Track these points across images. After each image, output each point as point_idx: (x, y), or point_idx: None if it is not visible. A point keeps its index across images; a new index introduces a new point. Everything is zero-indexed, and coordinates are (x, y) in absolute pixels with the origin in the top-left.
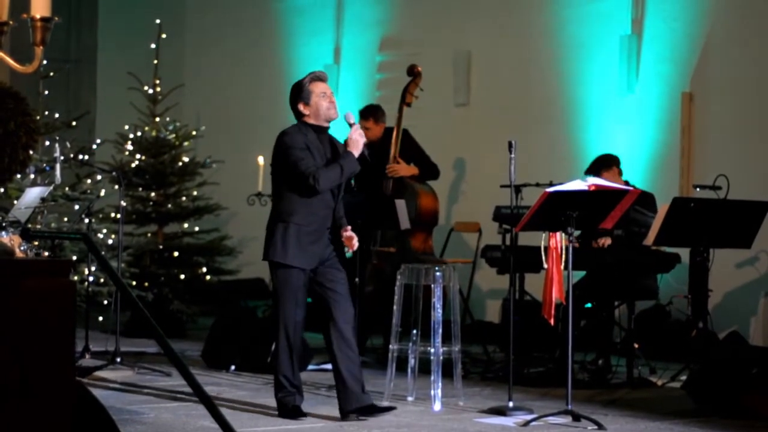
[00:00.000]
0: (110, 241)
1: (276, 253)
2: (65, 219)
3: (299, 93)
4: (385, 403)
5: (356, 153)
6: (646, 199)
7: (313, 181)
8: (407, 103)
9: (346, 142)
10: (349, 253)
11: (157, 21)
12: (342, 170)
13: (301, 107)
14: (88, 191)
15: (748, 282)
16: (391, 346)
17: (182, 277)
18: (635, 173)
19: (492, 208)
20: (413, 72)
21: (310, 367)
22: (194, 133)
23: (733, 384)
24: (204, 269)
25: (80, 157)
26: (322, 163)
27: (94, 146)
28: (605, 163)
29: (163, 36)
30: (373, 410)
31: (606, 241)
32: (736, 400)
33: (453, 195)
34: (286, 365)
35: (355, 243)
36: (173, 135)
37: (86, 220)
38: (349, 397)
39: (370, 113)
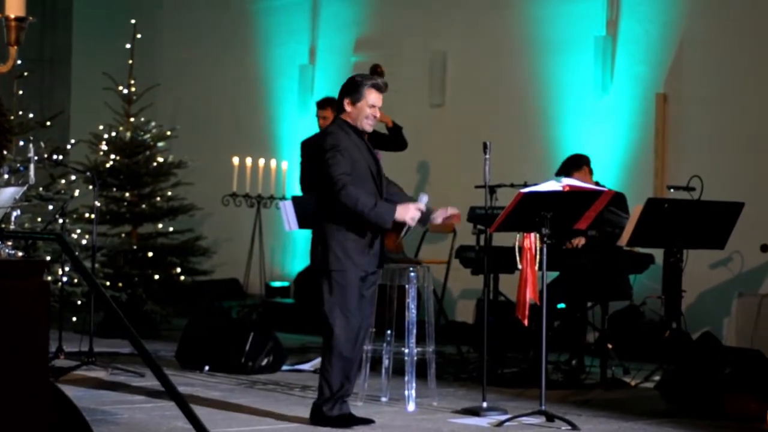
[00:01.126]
0: (84, 242)
1: (340, 263)
2: (39, 219)
3: (352, 89)
4: (364, 416)
5: (398, 217)
6: (618, 200)
7: (340, 187)
8: None
9: (402, 204)
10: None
11: (133, 21)
12: (373, 206)
13: (346, 102)
14: (62, 191)
15: (721, 283)
16: (365, 347)
17: (156, 277)
18: (609, 174)
19: (467, 208)
20: (376, 72)
21: (284, 367)
22: (169, 133)
23: (707, 385)
24: (178, 270)
25: (54, 157)
26: (364, 161)
27: (69, 146)
28: (575, 164)
29: (138, 36)
30: (351, 421)
31: (580, 241)
32: (709, 401)
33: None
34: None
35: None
36: (148, 135)
37: (60, 221)
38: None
39: (328, 103)
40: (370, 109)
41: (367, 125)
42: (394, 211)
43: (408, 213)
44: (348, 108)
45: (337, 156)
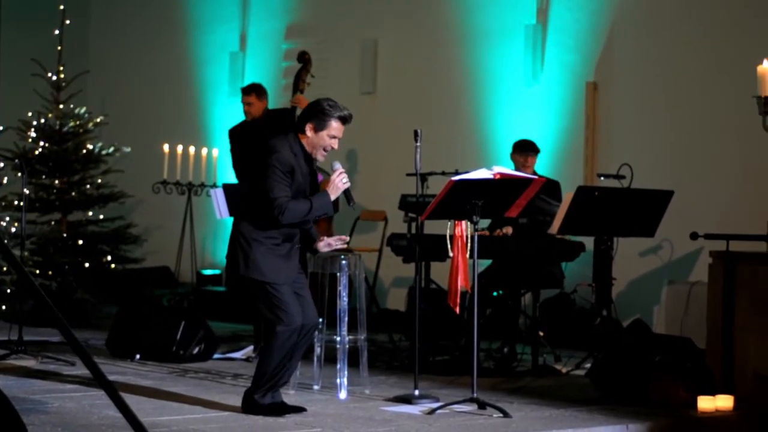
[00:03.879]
0: (13, 230)
1: (264, 273)
2: None
3: (317, 116)
4: (295, 404)
5: (333, 197)
6: (550, 187)
7: (278, 212)
8: (300, 90)
9: (324, 182)
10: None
11: (61, 7)
12: (311, 209)
13: (308, 127)
14: None
15: (651, 270)
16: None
17: (87, 265)
18: (539, 162)
19: (398, 196)
20: (303, 59)
21: (216, 355)
22: (99, 120)
23: (637, 372)
24: (109, 257)
25: None
26: (304, 183)
27: None
28: (533, 149)
29: (67, 22)
30: (282, 409)
31: (507, 230)
32: (639, 388)
33: (359, 183)
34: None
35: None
36: (77, 122)
37: None
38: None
39: (252, 90)
40: (330, 140)
41: (321, 155)
42: (327, 194)
43: (337, 185)
44: (309, 133)
45: (278, 174)
